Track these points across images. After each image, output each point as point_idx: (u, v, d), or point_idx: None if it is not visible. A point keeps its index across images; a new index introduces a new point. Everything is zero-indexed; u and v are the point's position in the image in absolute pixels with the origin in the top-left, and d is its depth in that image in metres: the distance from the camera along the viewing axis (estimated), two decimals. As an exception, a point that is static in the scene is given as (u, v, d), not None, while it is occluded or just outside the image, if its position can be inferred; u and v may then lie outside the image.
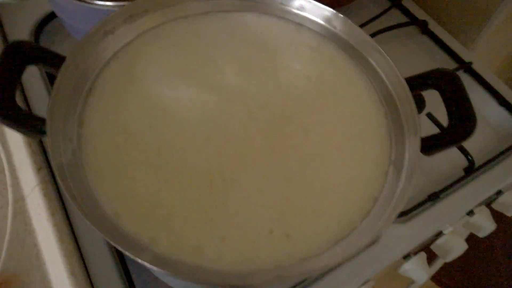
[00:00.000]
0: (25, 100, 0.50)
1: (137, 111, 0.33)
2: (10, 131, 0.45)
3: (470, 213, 0.51)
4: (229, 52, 0.37)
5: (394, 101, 0.35)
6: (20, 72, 0.31)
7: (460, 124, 0.33)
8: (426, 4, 0.63)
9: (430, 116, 0.49)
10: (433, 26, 0.61)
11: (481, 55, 0.62)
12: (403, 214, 0.46)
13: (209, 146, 0.32)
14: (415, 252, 0.50)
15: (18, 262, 0.40)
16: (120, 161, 0.31)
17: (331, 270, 0.43)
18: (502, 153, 0.51)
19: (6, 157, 0.45)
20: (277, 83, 0.36)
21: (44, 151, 0.45)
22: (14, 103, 0.30)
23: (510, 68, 0.78)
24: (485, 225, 0.54)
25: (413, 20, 0.62)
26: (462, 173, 0.50)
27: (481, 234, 0.56)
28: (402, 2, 0.63)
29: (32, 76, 0.51)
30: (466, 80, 0.58)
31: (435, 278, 0.99)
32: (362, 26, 0.38)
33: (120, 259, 0.41)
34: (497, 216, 0.56)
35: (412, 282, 0.56)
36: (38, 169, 0.43)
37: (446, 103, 0.34)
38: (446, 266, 0.60)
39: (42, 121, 0.30)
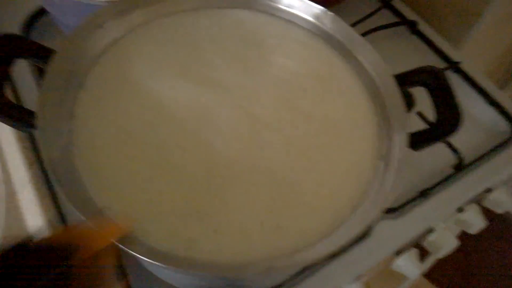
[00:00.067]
0: (16, 97, 0.50)
1: (128, 105, 0.33)
2: (0, 127, 0.45)
3: (460, 210, 0.52)
4: (219, 48, 0.37)
5: (382, 97, 0.36)
6: (8, 64, 0.31)
7: (446, 119, 0.34)
8: (416, 4, 0.64)
9: (420, 114, 0.49)
10: (423, 26, 0.62)
11: (470, 55, 0.63)
12: (394, 210, 0.47)
13: (200, 139, 0.32)
14: (407, 249, 0.50)
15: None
16: (112, 155, 0.31)
17: (323, 265, 0.43)
18: (490, 151, 0.52)
19: (-3, 154, 0.45)
20: (267, 79, 0.36)
21: (35, 147, 0.45)
22: (2, 95, 0.30)
23: (499, 68, 0.80)
24: (475, 222, 0.54)
25: (403, 20, 0.62)
26: (452, 171, 0.50)
27: (471, 231, 0.56)
28: (392, 3, 0.63)
29: (23, 71, 0.51)
30: (455, 80, 0.58)
31: (429, 276, 0.99)
32: (352, 26, 0.38)
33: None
34: (489, 214, 0.57)
35: (405, 278, 0.56)
36: (30, 165, 0.43)
37: (433, 99, 0.35)
38: (440, 263, 0.61)
39: (32, 113, 0.30)
